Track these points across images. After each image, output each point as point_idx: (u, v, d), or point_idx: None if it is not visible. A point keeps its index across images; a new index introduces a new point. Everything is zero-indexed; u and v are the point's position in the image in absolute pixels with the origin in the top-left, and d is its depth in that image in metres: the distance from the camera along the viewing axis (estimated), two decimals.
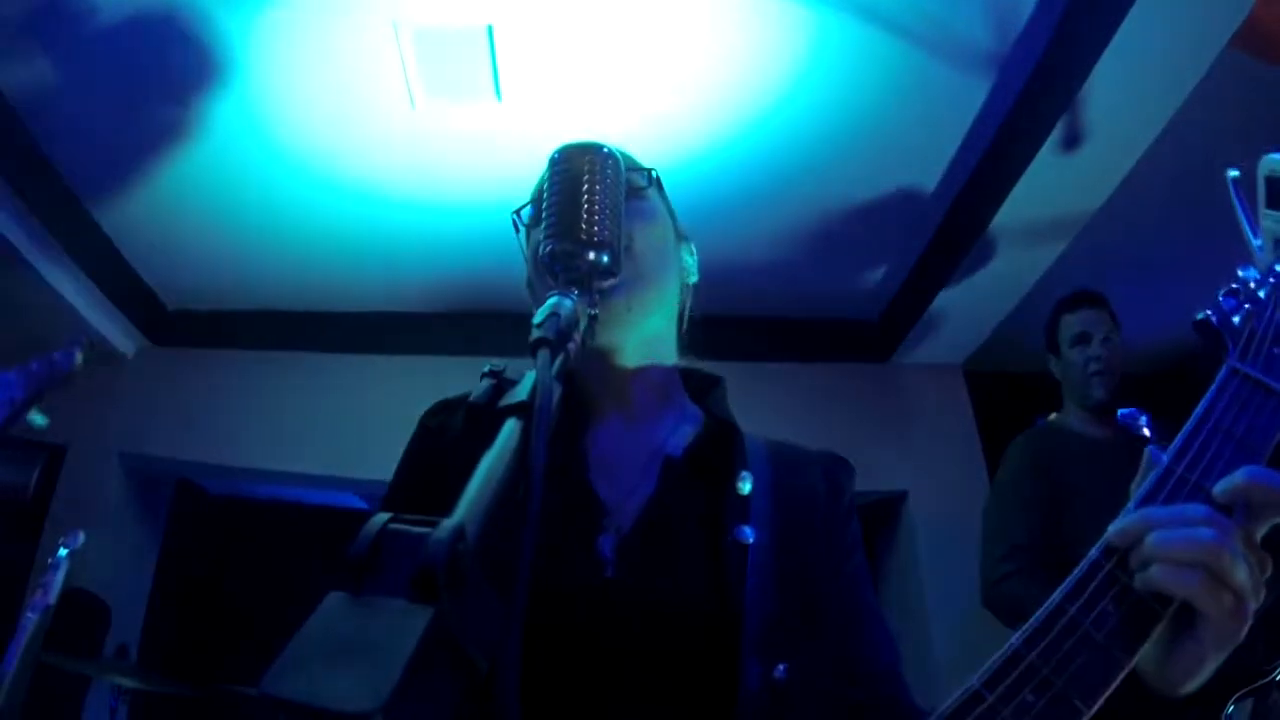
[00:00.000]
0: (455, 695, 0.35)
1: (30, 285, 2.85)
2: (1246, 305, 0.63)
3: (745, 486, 0.77)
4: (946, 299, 2.95)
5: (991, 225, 2.55)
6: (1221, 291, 0.65)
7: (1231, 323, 0.62)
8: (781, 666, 0.67)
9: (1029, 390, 3.67)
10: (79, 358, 2.08)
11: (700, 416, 0.87)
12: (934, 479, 3.16)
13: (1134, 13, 1.83)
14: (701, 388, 0.92)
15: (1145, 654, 0.52)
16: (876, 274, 3.10)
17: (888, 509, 3.30)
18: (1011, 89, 2.25)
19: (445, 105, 2.35)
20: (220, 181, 2.66)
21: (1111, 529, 0.55)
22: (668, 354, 0.89)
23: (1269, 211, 0.66)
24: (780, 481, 0.80)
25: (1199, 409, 0.58)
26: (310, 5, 2.08)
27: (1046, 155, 2.25)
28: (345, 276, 3.13)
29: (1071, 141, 2.21)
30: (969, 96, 2.30)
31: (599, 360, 0.82)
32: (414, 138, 2.47)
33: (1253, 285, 0.64)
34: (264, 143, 2.51)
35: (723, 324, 3.25)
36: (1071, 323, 2.24)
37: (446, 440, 0.83)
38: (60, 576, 2.03)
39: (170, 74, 2.27)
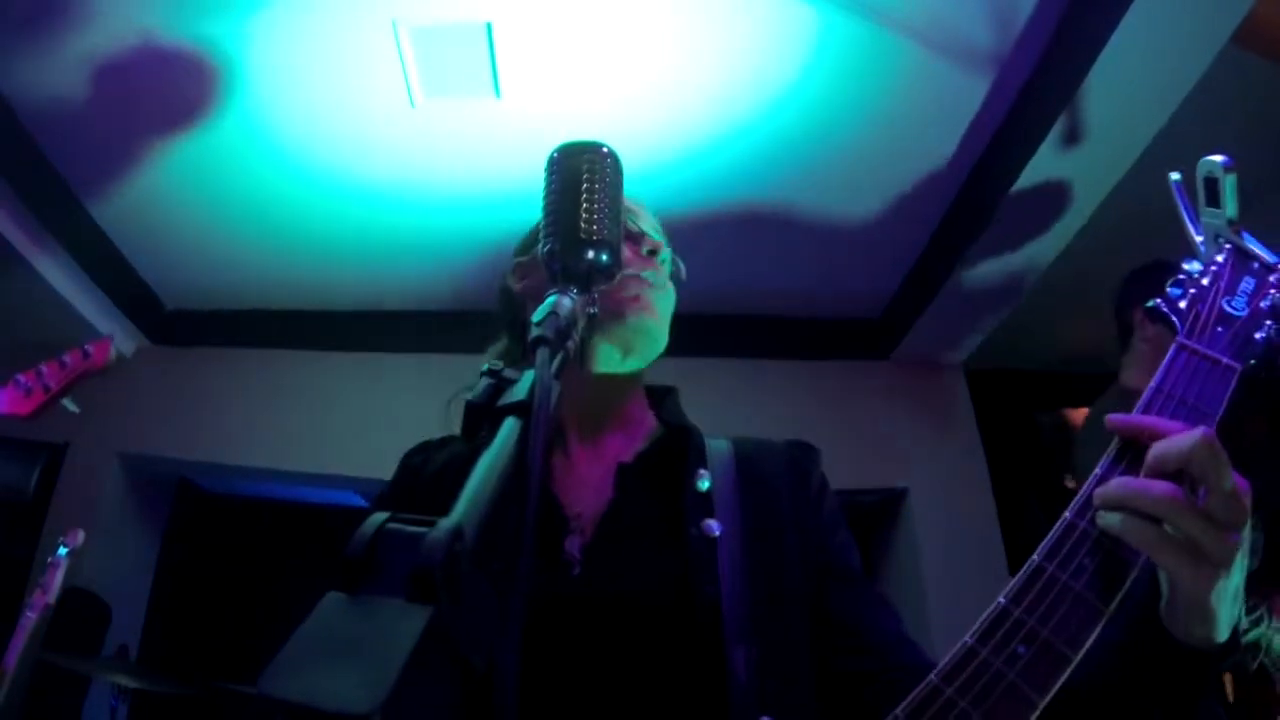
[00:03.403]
0: (452, 695, 0.35)
1: (29, 285, 2.85)
2: (1192, 291, 0.70)
3: (704, 484, 0.81)
4: (947, 298, 2.95)
5: (991, 224, 2.55)
6: (1169, 282, 0.72)
7: (1179, 307, 0.70)
8: (755, 650, 0.70)
9: (1029, 389, 3.69)
10: (113, 352, 2.12)
11: (653, 424, 0.92)
12: (934, 478, 3.16)
13: (1134, 10, 1.83)
14: (657, 399, 0.96)
15: (1164, 614, 0.57)
16: (877, 272, 3.10)
17: (888, 508, 3.30)
18: (1011, 86, 2.25)
19: (444, 103, 2.35)
20: (220, 181, 2.66)
21: (1095, 492, 0.59)
22: (636, 379, 0.94)
23: (1208, 209, 0.74)
24: (744, 475, 0.83)
25: (1154, 381, 0.63)
26: (309, 4, 2.07)
27: (1046, 152, 2.25)
28: (345, 275, 3.13)
29: (1071, 138, 2.21)
30: (969, 94, 2.30)
31: (570, 383, 0.85)
32: (413, 135, 2.47)
33: (1196, 275, 0.72)
34: (263, 142, 2.51)
35: (723, 323, 3.24)
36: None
37: (424, 477, 0.88)
38: (60, 576, 2.03)
39: (169, 74, 2.26)
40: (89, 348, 2.05)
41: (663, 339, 0.89)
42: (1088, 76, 2.00)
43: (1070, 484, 2.27)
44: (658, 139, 2.44)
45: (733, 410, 3.06)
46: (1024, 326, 3.23)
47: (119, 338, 3.31)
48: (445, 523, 0.36)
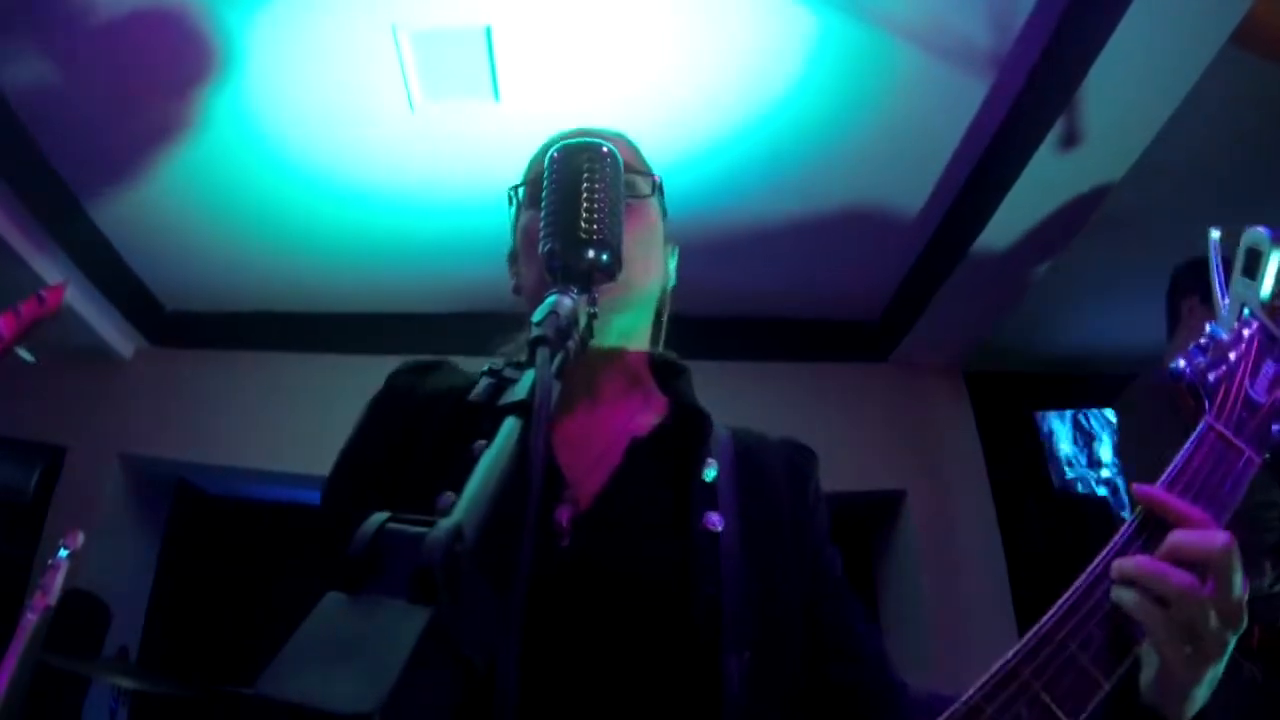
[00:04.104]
0: (453, 695, 0.35)
1: (29, 286, 2.85)
2: (1222, 366, 0.68)
3: (710, 474, 0.78)
4: (946, 299, 2.95)
5: (991, 224, 2.56)
6: (1194, 344, 0.70)
7: (1207, 380, 0.68)
8: (748, 653, 0.69)
9: (1028, 389, 3.69)
10: (67, 296, 2.10)
11: (665, 402, 0.87)
12: (934, 479, 3.16)
13: (1132, 11, 1.83)
14: (668, 375, 0.91)
15: (1145, 688, 0.59)
16: (876, 274, 3.10)
17: (887, 509, 3.30)
18: (1010, 88, 2.25)
19: (444, 106, 2.35)
20: (219, 182, 2.66)
21: (1114, 563, 0.60)
22: (639, 344, 0.89)
23: (1243, 279, 0.72)
24: (743, 469, 0.81)
25: (1181, 456, 0.64)
26: (309, 7, 2.08)
27: (1045, 154, 2.25)
28: (345, 277, 3.13)
29: (1070, 140, 2.21)
30: (967, 96, 2.30)
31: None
32: (413, 139, 2.47)
33: (1224, 343, 0.70)
34: (264, 144, 2.51)
35: (723, 324, 3.25)
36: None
37: (414, 400, 0.84)
38: (60, 577, 2.03)
39: (169, 75, 2.27)
40: (43, 293, 2.03)
41: (644, 285, 0.85)
42: (1087, 77, 2.01)
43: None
44: (657, 142, 2.41)
45: (732, 411, 3.03)
46: (1023, 327, 3.23)
47: (119, 339, 3.32)
48: (446, 522, 0.36)
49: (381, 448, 0.82)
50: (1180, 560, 0.57)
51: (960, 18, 2.08)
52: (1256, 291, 0.70)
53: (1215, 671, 0.58)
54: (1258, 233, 0.71)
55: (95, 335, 3.17)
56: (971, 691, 0.58)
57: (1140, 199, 2.49)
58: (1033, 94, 2.22)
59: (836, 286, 3.17)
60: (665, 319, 0.94)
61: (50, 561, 2.05)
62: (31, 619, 1.94)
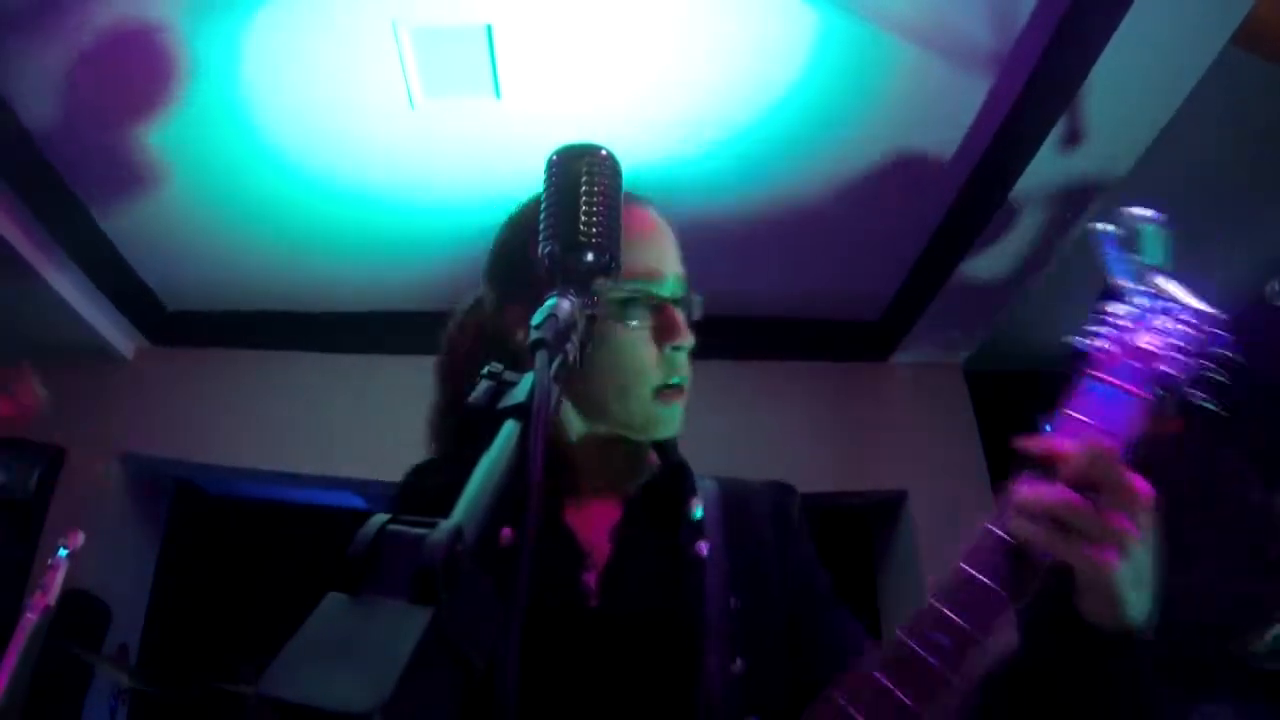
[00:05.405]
0: (453, 696, 0.35)
1: (30, 286, 2.85)
2: (1112, 329, 0.79)
3: (697, 512, 0.86)
4: (946, 298, 2.95)
5: (991, 224, 2.56)
6: (1089, 321, 0.81)
7: (1096, 342, 0.78)
8: (735, 665, 0.75)
9: (1029, 390, 3.68)
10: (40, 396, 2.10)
11: (653, 458, 0.95)
12: (934, 479, 3.16)
13: (1134, 11, 1.83)
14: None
15: (1078, 606, 0.63)
16: (877, 273, 3.10)
17: (888, 509, 3.30)
18: (1012, 87, 2.25)
19: (444, 104, 2.35)
20: (219, 182, 2.66)
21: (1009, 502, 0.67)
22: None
23: (1130, 255, 0.83)
24: (728, 508, 0.89)
25: (1064, 406, 0.72)
26: (309, 5, 2.08)
27: (1046, 154, 2.26)
28: (345, 276, 3.13)
29: (1072, 140, 2.21)
30: (969, 95, 2.30)
31: (578, 437, 0.89)
32: (413, 137, 2.47)
33: (1119, 313, 0.80)
34: (263, 143, 2.51)
35: (724, 324, 3.23)
36: None
37: (428, 495, 0.88)
38: (60, 577, 2.03)
39: (170, 74, 2.27)
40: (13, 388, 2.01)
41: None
42: (1088, 77, 2.01)
43: None
44: (658, 140, 2.44)
45: (732, 412, 3.08)
46: (1024, 327, 3.23)
47: (120, 338, 3.32)
48: (446, 524, 0.36)
49: None
50: (1069, 484, 0.62)
51: (961, 17, 2.08)
52: (1139, 263, 0.81)
53: (1133, 566, 0.60)
54: (1130, 213, 0.83)
55: (96, 335, 3.17)
56: (898, 631, 0.64)
57: (1141, 199, 2.49)
58: (1034, 93, 2.21)
59: (837, 286, 3.17)
60: None
61: (50, 561, 2.05)
62: (31, 618, 1.94)
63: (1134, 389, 0.71)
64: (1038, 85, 2.19)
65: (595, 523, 0.86)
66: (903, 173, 2.60)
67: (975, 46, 2.15)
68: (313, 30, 2.14)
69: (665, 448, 0.95)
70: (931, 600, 0.65)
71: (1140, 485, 0.61)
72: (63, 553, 2.06)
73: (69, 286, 2.97)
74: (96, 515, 3.01)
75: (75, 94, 2.34)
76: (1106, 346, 0.77)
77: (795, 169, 2.56)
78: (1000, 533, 0.66)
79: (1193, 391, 0.74)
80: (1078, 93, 2.06)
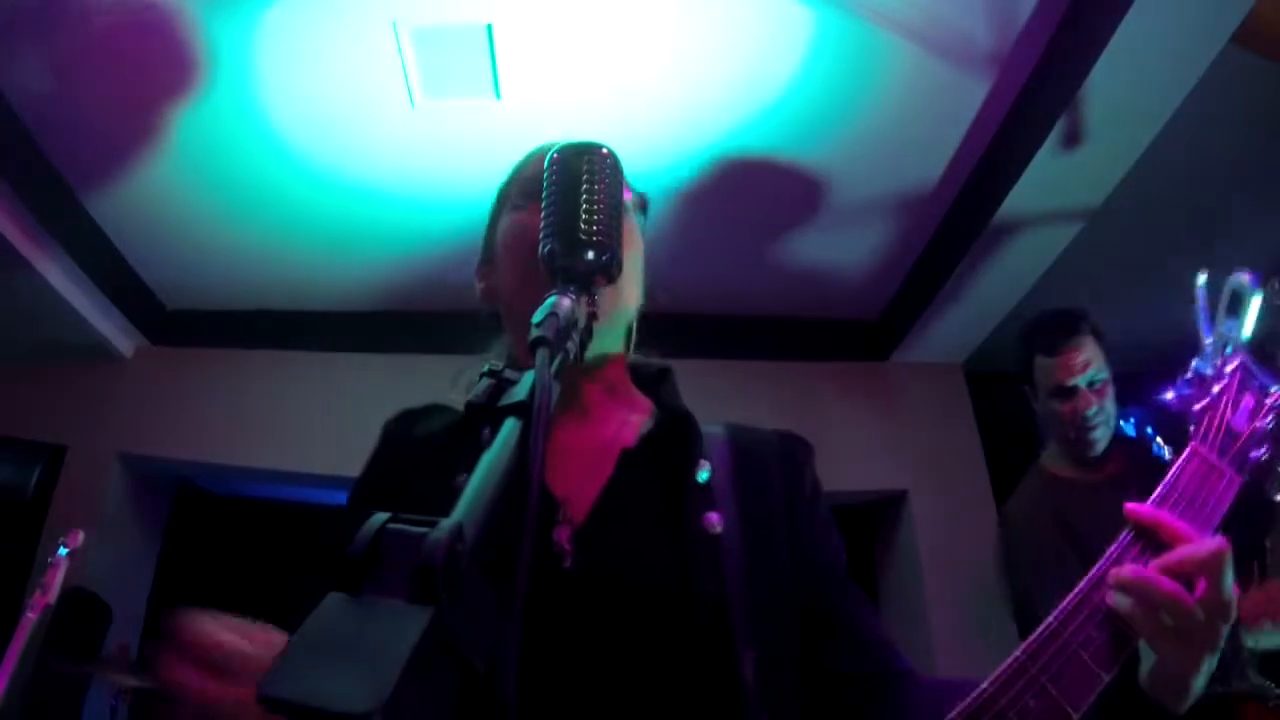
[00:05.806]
0: (453, 695, 0.35)
1: (29, 285, 2.85)
2: (1206, 398, 0.77)
3: (703, 475, 0.78)
4: (946, 298, 2.95)
5: (991, 224, 2.55)
6: (1180, 380, 0.79)
7: (1193, 410, 0.76)
8: (756, 651, 0.69)
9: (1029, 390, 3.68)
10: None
11: (650, 407, 0.87)
12: (934, 479, 3.16)
13: (1134, 11, 1.83)
14: (650, 380, 0.90)
15: (1144, 679, 0.64)
16: (876, 273, 3.10)
17: (888, 509, 3.30)
18: (1012, 87, 2.25)
19: (444, 103, 2.35)
20: (219, 181, 2.66)
21: (1111, 571, 0.66)
22: (617, 353, 0.89)
23: (1227, 319, 0.80)
24: (739, 466, 0.81)
25: (1169, 476, 0.70)
26: (310, 4, 2.07)
27: (1046, 154, 2.25)
28: (345, 276, 3.13)
29: (1071, 140, 2.21)
30: (969, 94, 2.30)
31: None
32: (414, 136, 2.47)
33: (1208, 378, 0.78)
34: (264, 142, 2.51)
35: (724, 323, 3.25)
36: (1049, 369, 1.90)
37: (410, 444, 0.86)
38: (60, 576, 2.03)
39: (170, 73, 2.27)
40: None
41: (629, 302, 0.85)
42: (1088, 77, 2.00)
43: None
44: (657, 140, 2.43)
45: (732, 412, 3.05)
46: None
47: (119, 338, 3.31)
48: (446, 523, 0.36)
49: (382, 498, 0.82)
50: (1171, 572, 0.63)
51: (962, 16, 2.08)
52: (1239, 331, 0.79)
53: (1210, 663, 0.62)
54: (1241, 278, 0.80)
55: (95, 334, 3.17)
56: (985, 684, 0.63)
57: (1141, 198, 2.49)
58: (1034, 93, 2.21)
59: (836, 286, 3.17)
60: (634, 329, 0.93)
61: (50, 560, 2.05)
62: (31, 618, 1.94)
63: (1230, 472, 0.72)
64: (1038, 86, 2.19)
65: (572, 468, 0.77)
66: (902, 173, 2.60)
67: (975, 47, 2.15)
68: (313, 31, 2.14)
69: (664, 393, 0.87)
70: (1026, 663, 0.64)
71: (1233, 598, 0.62)
72: (63, 552, 2.06)
73: (69, 286, 2.97)
74: (96, 515, 3.01)
75: (75, 92, 2.33)
76: (1203, 417, 0.76)
77: (794, 170, 2.56)
78: (1098, 600, 0.66)
79: (1274, 486, 0.75)
80: (1078, 92, 2.06)
